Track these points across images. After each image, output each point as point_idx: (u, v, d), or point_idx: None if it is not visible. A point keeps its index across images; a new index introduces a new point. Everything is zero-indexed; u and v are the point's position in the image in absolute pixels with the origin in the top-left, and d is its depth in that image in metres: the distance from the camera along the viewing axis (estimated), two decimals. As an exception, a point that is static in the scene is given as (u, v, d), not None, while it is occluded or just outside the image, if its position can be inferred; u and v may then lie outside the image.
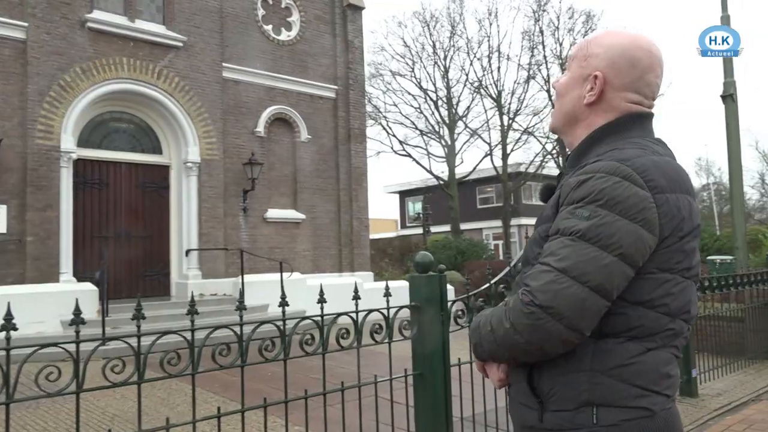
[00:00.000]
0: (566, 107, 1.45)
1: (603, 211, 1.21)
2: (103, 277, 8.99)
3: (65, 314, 8.39)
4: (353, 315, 2.55)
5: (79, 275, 10.64)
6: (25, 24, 10.33)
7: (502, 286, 3.22)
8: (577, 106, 1.42)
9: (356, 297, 2.58)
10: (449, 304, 2.86)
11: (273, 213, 13.30)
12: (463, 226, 30.60)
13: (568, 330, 1.20)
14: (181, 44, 12.07)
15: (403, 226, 41.62)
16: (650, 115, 1.40)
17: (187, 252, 11.98)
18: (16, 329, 1.79)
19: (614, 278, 1.20)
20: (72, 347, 1.89)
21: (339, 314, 2.52)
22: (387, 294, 2.68)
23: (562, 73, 1.71)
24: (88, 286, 9.68)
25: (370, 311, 2.59)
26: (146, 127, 12.32)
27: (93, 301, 9.41)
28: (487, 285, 3.18)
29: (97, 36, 11.13)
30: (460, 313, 2.98)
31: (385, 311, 2.68)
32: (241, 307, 2.26)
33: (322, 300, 2.47)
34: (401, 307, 2.74)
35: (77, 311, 1.95)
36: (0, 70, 10.18)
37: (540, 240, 1.34)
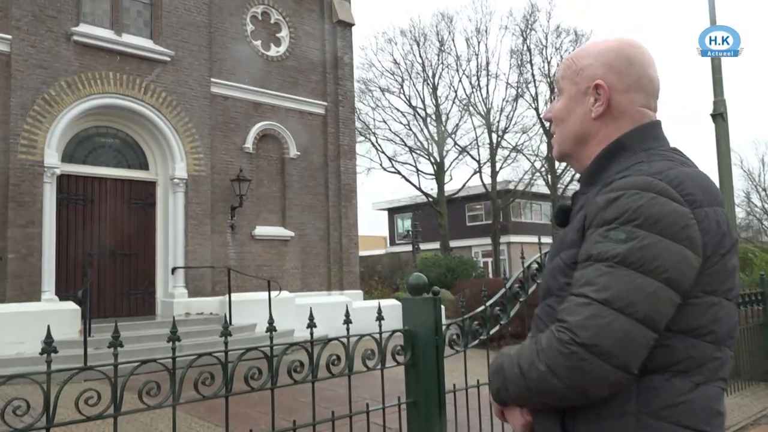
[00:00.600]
0: (572, 129, 1.33)
1: (642, 232, 1.08)
2: (87, 296, 8.76)
3: (46, 334, 8.17)
4: (344, 340, 2.43)
5: (62, 294, 10.38)
6: (9, 37, 10.18)
7: (497, 308, 3.11)
8: (584, 123, 1.31)
9: (347, 321, 2.46)
10: (444, 327, 2.74)
11: (261, 230, 13.13)
12: (453, 244, 30.53)
13: (615, 370, 1.05)
14: (168, 59, 11.96)
15: (392, 243, 41.49)
16: (660, 123, 1.31)
17: (173, 270, 11.77)
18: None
19: (662, 306, 1.07)
20: (42, 378, 1.75)
21: (329, 339, 2.40)
22: (379, 317, 2.57)
23: (552, 97, 1.60)
24: (71, 306, 9.46)
25: (362, 336, 2.47)
26: (132, 143, 12.16)
27: (75, 320, 9.19)
28: (482, 308, 3.07)
29: (84, 50, 11.00)
30: (455, 337, 2.86)
31: (377, 335, 2.56)
32: (225, 333, 2.13)
33: (312, 325, 2.35)
34: (394, 332, 2.62)
35: (49, 339, 1.81)
36: (-17, 83, 10.02)
37: (565, 268, 1.21)
